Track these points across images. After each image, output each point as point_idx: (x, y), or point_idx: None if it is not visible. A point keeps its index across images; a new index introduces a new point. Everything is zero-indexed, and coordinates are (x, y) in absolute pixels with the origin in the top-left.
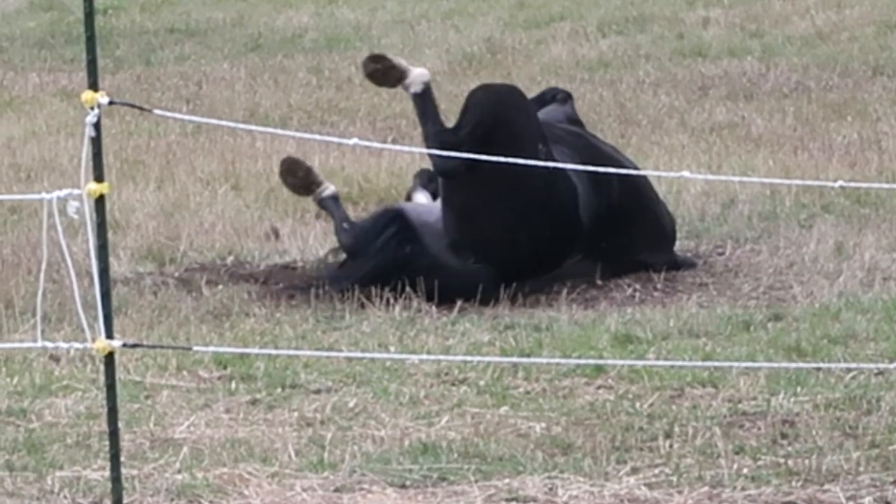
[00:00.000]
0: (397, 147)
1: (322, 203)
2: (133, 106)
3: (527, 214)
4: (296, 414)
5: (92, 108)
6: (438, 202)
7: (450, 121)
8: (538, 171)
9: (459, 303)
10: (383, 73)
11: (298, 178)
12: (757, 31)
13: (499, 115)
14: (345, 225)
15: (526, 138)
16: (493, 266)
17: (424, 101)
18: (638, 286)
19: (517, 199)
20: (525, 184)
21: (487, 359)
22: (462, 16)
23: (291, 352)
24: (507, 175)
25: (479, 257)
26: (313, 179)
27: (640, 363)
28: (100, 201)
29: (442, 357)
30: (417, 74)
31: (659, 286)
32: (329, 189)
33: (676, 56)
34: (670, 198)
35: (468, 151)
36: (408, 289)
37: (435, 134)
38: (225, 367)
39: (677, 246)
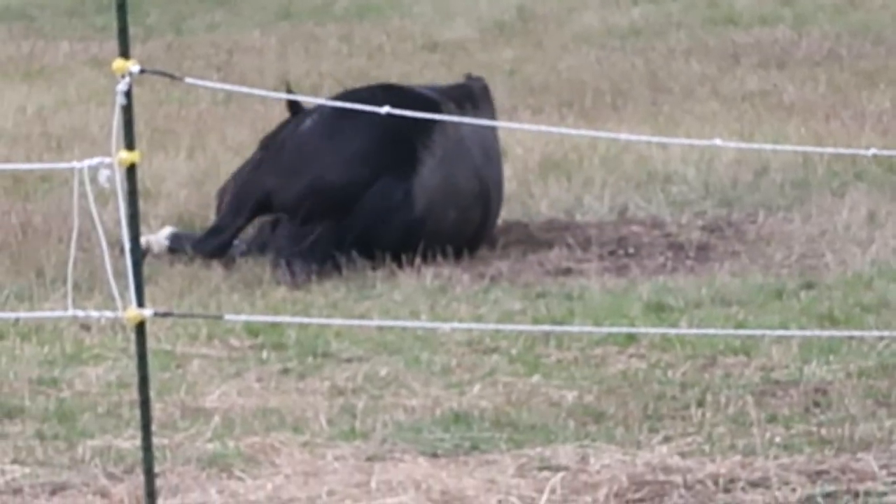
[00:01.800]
0: (429, 115)
1: None
2: (164, 74)
3: None
4: (327, 383)
5: (123, 77)
6: None
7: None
8: None
9: (491, 271)
10: None
11: None
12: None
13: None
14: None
15: None
16: None
17: (180, 240)
18: (670, 254)
19: None
20: None
21: (519, 327)
22: None
23: (323, 320)
24: None
25: None
26: None
27: (672, 332)
28: (131, 170)
29: (473, 325)
30: (155, 239)
31: (691, 254)
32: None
33: (708, 24)
34: (703, 165)
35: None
36: (439, 257)
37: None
38: (256, 336)
39: (710, 213)
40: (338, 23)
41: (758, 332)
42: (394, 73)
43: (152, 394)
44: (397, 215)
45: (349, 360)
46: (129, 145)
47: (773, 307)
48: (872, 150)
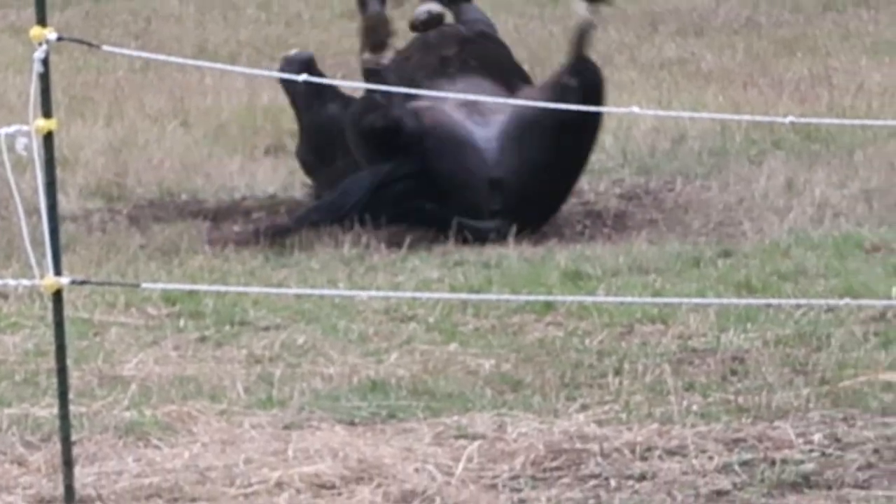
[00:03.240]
0: (347, 83)
1: (369, 73)
2: (81, 42)
3: None
4: (244, 351)
5: (40, 44)
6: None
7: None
8: None
9: (409, 239)
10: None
11: (381, 36)
12: None
13: None
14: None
15: None
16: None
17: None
18: (587, 222)
19: None
20: None
21: (436, 295)
22: None
23: (240, 288)
24: None
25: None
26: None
27: (589, 299)
28: (48, 138)
29: (391, 294)
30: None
31: (608, 223)
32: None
33: None
34: (620, 133)
35: None
36: (357, 226)
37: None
38: (173, 304)
39: (628, 182)
40: None
41: (675, 300)
42: (312, 41)
43: (69, 362)
44: None
45: (266, 329)
46: (47, 113)
47: (691, 275)
48: (790, 118)
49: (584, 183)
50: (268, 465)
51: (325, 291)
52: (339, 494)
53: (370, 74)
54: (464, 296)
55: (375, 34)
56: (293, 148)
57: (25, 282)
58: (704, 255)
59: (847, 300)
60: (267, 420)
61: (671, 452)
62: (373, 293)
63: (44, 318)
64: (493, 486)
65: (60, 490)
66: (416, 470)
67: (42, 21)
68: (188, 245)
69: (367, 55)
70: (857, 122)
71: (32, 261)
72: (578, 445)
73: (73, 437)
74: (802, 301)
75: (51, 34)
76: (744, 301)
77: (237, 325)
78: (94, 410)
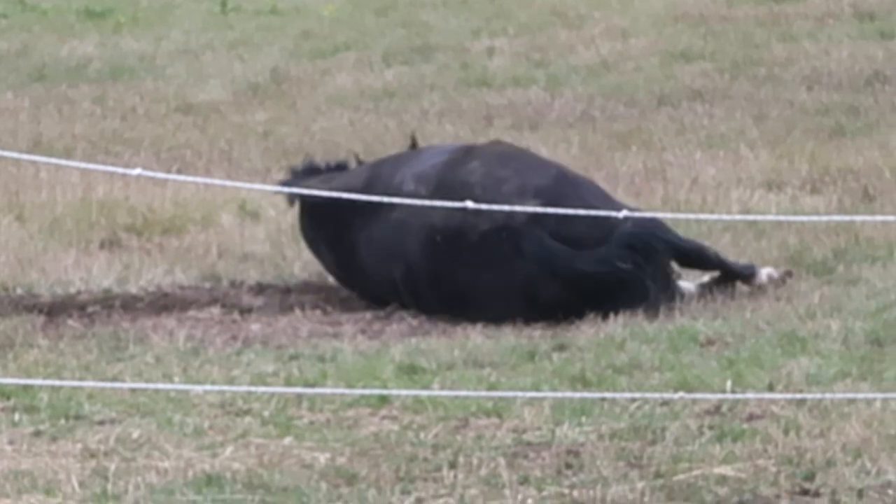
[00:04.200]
0: (181, 177)
1: None
2: None
3: None
4: (79, 445)
5: None
6: None
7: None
8: None
9: (243, 334)
10: None
11: None
12: (542, 61)
13: None
14: None
15: None
16: None
17: None
18: (423, 316)
19: None
20: None
21: (272, 389)
22: (247, 46)
23: (75, 383)
24: None
25: None
26: None
27: (424, 393)
28: None
29: (226, 388)
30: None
31: (444, 317)
32: None
33: (461, 86)
34: None
35: None
36: (192, 316)
37: None
38: (8, 399)
39: None
40: (91, 84)
41: (510, 393)
42: (147, 135)
43: None
44: None
45: (101, 423)
46: None
47: (526, 369)
48: (624, 212)
49: None
50: None
51: (160, 385)
52: None
53: None
54: (299, 389)
55: None
56: (127, 242)
57: None
58: (539, 348)
59: (681, 394)
60: None
61: None
62: (208, 387)
63: None
64: None
65: None
66: None
67: None
68: (23, 339)
69: None
70: (691, 215)
71: None
72: None
73: None
74: (637, 394)
75: None
76: (578, 394)
77: (72, 419)
78: None
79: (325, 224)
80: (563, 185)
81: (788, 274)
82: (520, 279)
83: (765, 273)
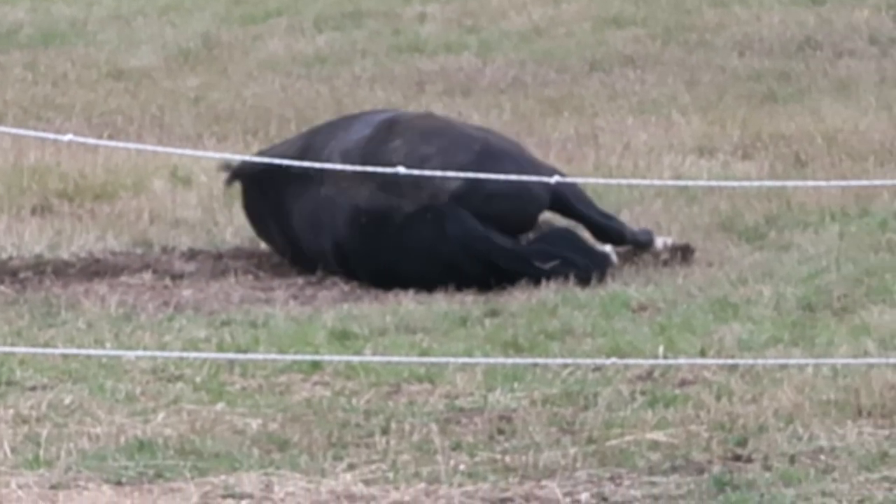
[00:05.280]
0: (112, 143)
1: None
2: None
3: None
4: (11, 411)
5: None
6: None
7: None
8: None
9: (175, 299)
10: None
11: None
12: (473, 27)
13: None
14: None
15: None
16: None
17: None
18: (356, 282)
19: None
20: None
21: (203, 355)
22: (178, 11)
23: (7, 349)
24: None
25: None
26: None
27: (356, 359)
28: None
29: (158, 353)
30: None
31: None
32: None
33: (393, 52)
34: None
35: None
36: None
37: None
38: None
39: None
40: (22, 50)
41: (442, 359)
42: (78, 101)
43: None
44: None
45: (33, 389)
46: None
47: (458, 334)
48: (556, 178)
49: None
50: None
51: (92, 351)
52: None
53: None
54: (231, 355)
55: None
56: (59, 208)
57: None
58: (472, 314)
59: (614, 359)
60: (34, 480)
61: None
62: (140, 353)
63: None
64: None
65: None
66: None
67: None
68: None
69: None
70: (623, 181)
71: None
72: None
73: None
74: (569, 360)
75: None
76: (511, 360)
77: (4, 384)
78: None
79: (265, 194)
80: (487, 161)
81: (688, 249)
82: (444, 259)
83: (661, 241)
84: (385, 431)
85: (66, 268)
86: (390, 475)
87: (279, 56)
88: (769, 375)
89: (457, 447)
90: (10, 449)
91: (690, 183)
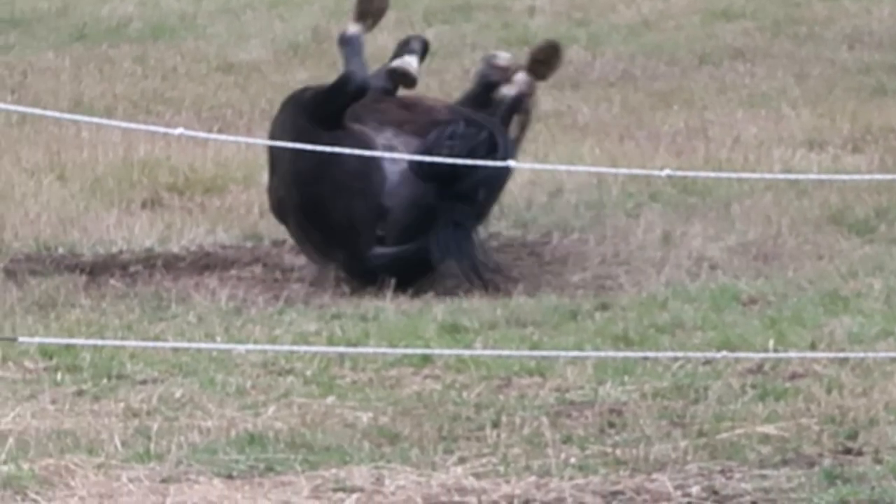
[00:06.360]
0: (223, 137)
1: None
2: None
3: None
4: (122, 405)
5: None
6: None
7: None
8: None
9: (285, 293)
10: None
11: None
12: (583, 20)
13: None
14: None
15: None
16: None
17: None
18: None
19: None
20: None
21: (314, 349)
22: (287, 5)
23: (117, 342)
24: None
25: None
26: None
27: (466, 353)
28: None
29: (268, 347)
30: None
31: (487, 276)
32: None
33: (502, 45)
34: None
35: None
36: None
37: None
38: (51, 358)
39: (505, 235)
40: (132, 44)
41: (552, 353)
42: (188, 95)
43: None
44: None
45: (144, 382)
46: None
47: (568, 328)
48: (666, 171)
49: None
50: None
51: (203, 345)
52: None
53: (345, 42)
54: (341, 349)
55: (368, 3)
56: (169, 201)
57: None
58: (582, 307)
59: (724, 353)
60: (144, 474)
61: None
62: (250, 346)
63: None
64: None
65: None
66: None
67: None
68: (65, 299)
69: (351, 24)
70: (733, 174)
71: None
72: (456, 498)
73: None
74: (680, 354)
75: None
76: (621, 354)
77: (114, 378)
78: None
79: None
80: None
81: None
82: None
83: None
84: (496, 425)
85: (177, 261)
86: (501, 468)
87: (389, 49)
88: (880, 368)
89: (567, 440)
90: (120, 442)
91: (801, 176)
